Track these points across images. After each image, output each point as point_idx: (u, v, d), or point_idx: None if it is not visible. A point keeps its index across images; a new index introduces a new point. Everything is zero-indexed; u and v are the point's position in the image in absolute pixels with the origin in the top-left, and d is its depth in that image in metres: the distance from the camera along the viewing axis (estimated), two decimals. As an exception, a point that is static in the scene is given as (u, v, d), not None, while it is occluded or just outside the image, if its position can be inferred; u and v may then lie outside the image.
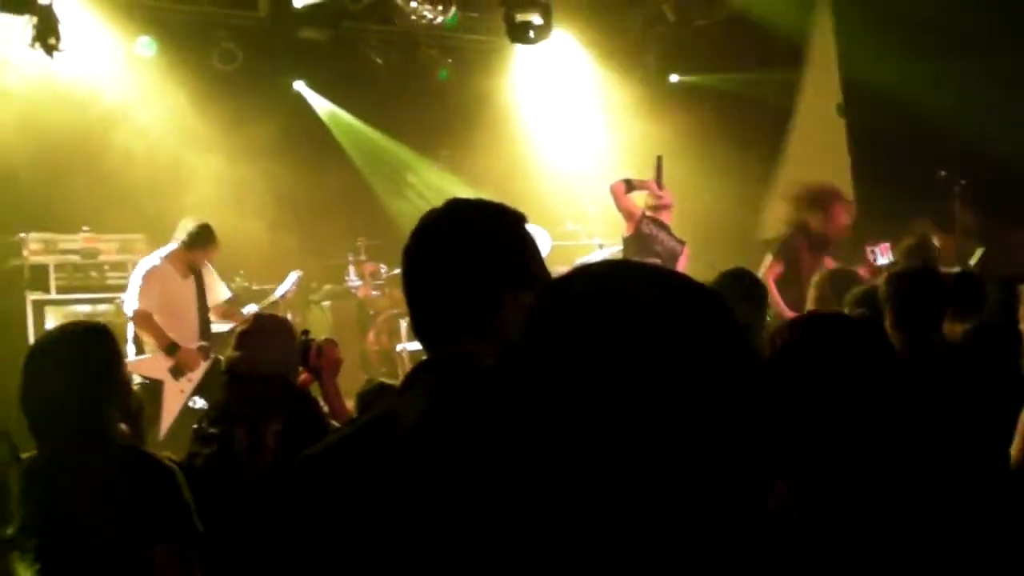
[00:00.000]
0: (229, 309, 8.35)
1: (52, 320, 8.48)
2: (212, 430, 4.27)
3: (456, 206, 1.94)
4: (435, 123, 11.81)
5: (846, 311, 4.60)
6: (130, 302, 7.85)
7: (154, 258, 8.00)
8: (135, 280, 7.89)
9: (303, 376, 4.89)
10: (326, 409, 4.73)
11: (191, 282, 8.13)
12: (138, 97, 9.97)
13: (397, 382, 7.68)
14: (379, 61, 11.35)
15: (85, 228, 9.17)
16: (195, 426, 4.52)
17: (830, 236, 7.64)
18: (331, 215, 10.82)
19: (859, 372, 1.93)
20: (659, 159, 8.10)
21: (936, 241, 7.30)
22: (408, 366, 9.32)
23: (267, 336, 4.63)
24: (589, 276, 1.19)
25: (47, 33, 8.66)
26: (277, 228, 10.18)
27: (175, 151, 9.93)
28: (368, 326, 10.54)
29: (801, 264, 7.50)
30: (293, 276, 8.80)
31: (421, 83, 11.70)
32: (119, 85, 9.90)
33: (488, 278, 1.84)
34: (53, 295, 8.88)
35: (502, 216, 1.95)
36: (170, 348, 7.78)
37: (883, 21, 9.64)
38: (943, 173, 8.03)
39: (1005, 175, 8.45)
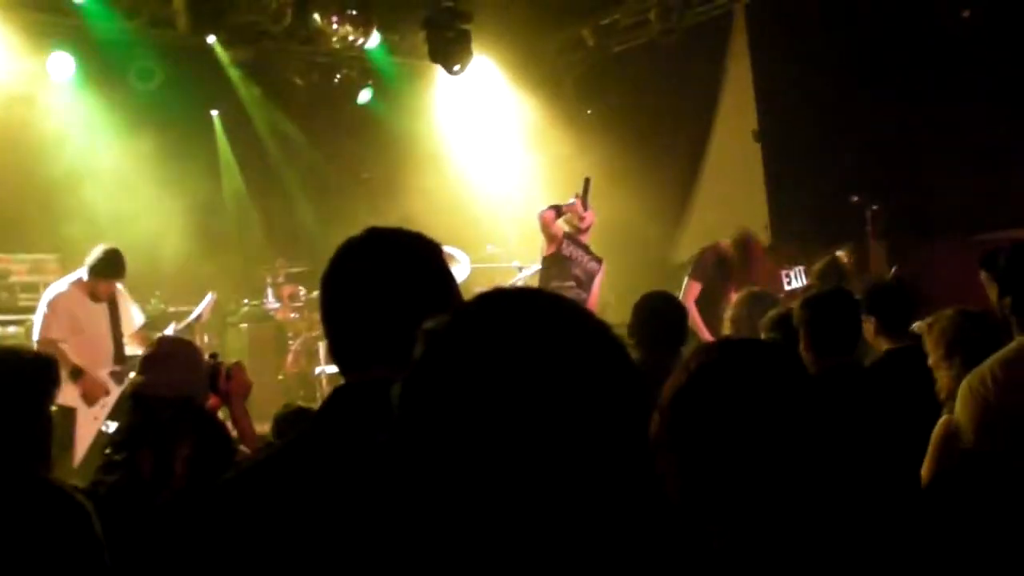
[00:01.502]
0: (146, 335, 8.15)
1: (-39, 342, 8.28)
2: (117, 456, 4.18)
3: (374, 235, 1.96)
4: (356, 146, 11.76)
5: (762, 335, 4.66)
6: (36, 330, 7.71)
7: (62, 284, 7.88)
8: (41, 307, 7.77)
9: (211, 400, 4.81)
10: (234, 434, 4.67)
11: (103, 307, 7.97)
12: (52, 116, 9.80)
13: (315, 405, 7.64)
14: (299, 82, 11.28)
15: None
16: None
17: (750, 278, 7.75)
18: (250, 236, 10.72)
19: (772, 396, 1.93)
20: (587, 180, 8.11)
21: (847, 261, 7.42)
22: (326, 389, 9.29)
23: (172, 359, 4.54)
24: (483, 307, 1.20)
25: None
26: (195, 249, 10.06)
27: (90, 171, 9.76)
28: (286, 349, 10.44)
29: (716, 284, 7.59)
30: (208, 298, 8.70)
31: (342, 105, 11.65)
32: (33, 104, 9.72)
33: (404, 307, 1.85)
34: (-38, 317, 8.66)
35: (419, 246, 1.97)
36: (73, 374, 7.58)
37: (798, 48, 9.79)
38: (855, 198, 8.16)
39: (916, 199, 8.64)
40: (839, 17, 9.56)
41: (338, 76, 11.49)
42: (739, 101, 10.96)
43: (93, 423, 7.64)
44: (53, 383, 3.12)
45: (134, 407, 4.43)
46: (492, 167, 12.14)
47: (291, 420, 4.98)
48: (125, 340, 8.09)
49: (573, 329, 1.15)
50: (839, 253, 7.34)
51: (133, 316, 8.23)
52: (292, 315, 10.54)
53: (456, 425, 1.09)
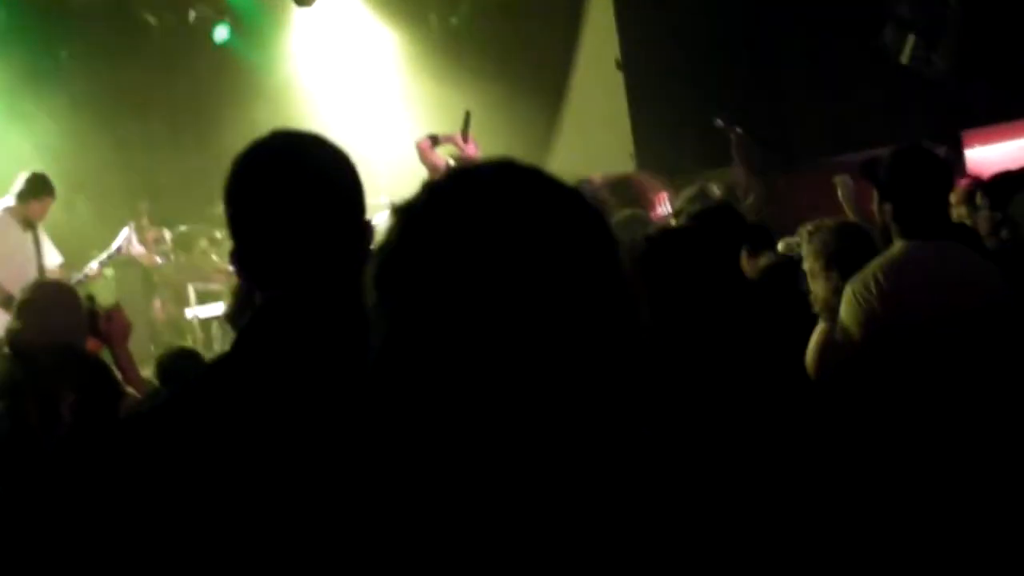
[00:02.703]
0: (63, 275, 7.90)
1: None
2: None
3: (287, 143, 1.87)
4: (215, 86, 11.48)
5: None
6: None
7: None
8: None
9: (91, 344, 4.71)
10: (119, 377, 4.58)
11: (30, 237, 7.71)
12: None
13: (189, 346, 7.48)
14: (152, 21, 10.97)
15: None
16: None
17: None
18: (108, 181, 10.41)
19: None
20: (467, 114, 8.08)
21: (716, 190, 7.55)
22: (200, 333, 9.15)
23: (52, 305, 4.45)
24: (458, 181, 1.18)
25: None
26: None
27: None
28: (153, 294, 10.21)
29: None
30: (125, 231, 8.48)
31: (198, 45, 11.36)
32: None
33: (321, 222, 1.78)
34: None
35: (334, 157, 1.89)
36: (5, 302, 7.14)
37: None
38: (719, 122, 8.29)
39: (775, 123, 8.84)
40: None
41: (192, 14, 11.18)
42: (601, 30, 10.99)
43: None
44: None
45: (13, 355, 4.32)
46: (357, 104, 11.96)
47: (176, 362, 4.90)
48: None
49: (551, 197, 1.14)
50: (711, 185, 7.46)
51: (52, 254, 7.99)
52: (158, 259, 10.29)
53: (439, 296, 1.07)
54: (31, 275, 7.52)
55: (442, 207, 1.13)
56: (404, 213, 1.15)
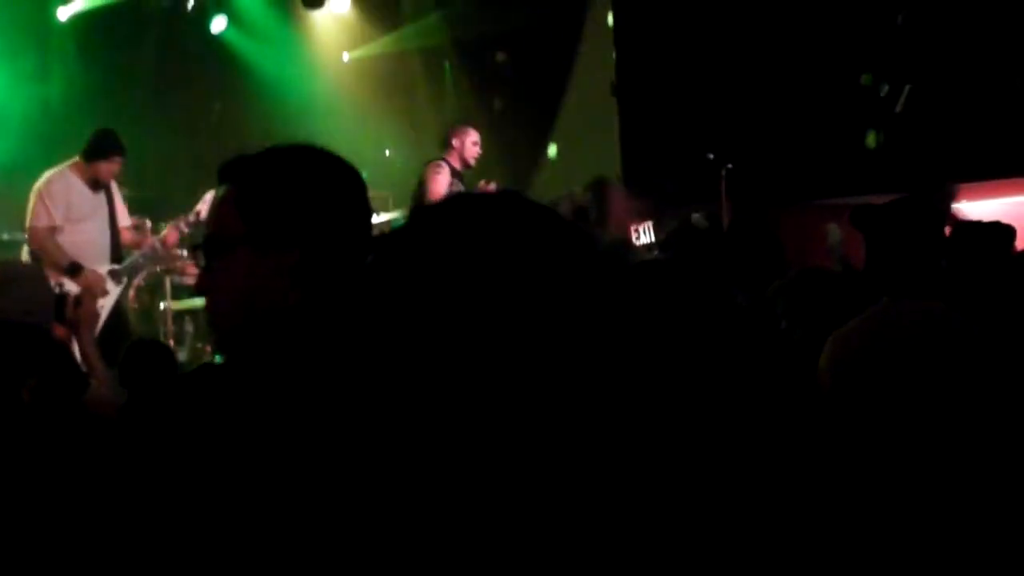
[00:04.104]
0: (136, 236, 7.69)
1: None
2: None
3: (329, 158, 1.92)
4: (207, 76, 11.42)
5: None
6: (28, 223, 7.15)
7: (54, 170, 7.27)
8: (33, 195, 7.15)
9: (57, 329, 4.63)
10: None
11: (102, 197, 7.37)
12: None
13: (163, 340, 7.40)
14: (153, 7, 10.93)
15: None
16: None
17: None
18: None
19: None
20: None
21: (702, 223, 7.53)
22: (171, 325, 9.04)
23: (16, 284, 4.36)
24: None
25: None
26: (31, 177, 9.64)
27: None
28: (128, 284, 10.09)
29: None
30: (208, 196, 7.81)
31: (194, 33, 11.31)
32: None
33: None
34: None
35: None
36: (71, 268, 6.94)
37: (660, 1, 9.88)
38: (711, 156, 8.27)
39: (771, 158, 8.83)
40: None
41: (192, 2, 11.14)
42: (598, 52, 10.98)
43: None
44: None
45: (-25, 333, 4.23)
46: (349, 113, 11.91)
47: (141, 353, 4.83)
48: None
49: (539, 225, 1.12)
50: (695, 216, 7.43)
51: (125, 214, 7.72)
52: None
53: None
54: (103, 239, 7.36)
55: (424, 235, 1.11)
56: (390, 239, 1.14)
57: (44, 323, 4.36)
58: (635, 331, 1.13)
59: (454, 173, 8.02)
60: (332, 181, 1.84)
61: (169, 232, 7.61)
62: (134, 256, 7.59)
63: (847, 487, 2.57)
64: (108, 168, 7.28)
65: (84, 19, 10.64)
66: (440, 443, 1.05)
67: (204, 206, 7.81)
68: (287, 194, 1.80)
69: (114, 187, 7.54)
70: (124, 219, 7.66)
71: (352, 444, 1.15)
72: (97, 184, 7.30)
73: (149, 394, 4.43)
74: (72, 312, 4.52)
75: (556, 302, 1.07)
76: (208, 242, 1.84)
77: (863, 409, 3.31)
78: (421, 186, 7.87)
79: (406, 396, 1.06)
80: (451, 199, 1.19)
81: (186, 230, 7.60)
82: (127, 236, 7.63)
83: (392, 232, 1.15)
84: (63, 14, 10.59)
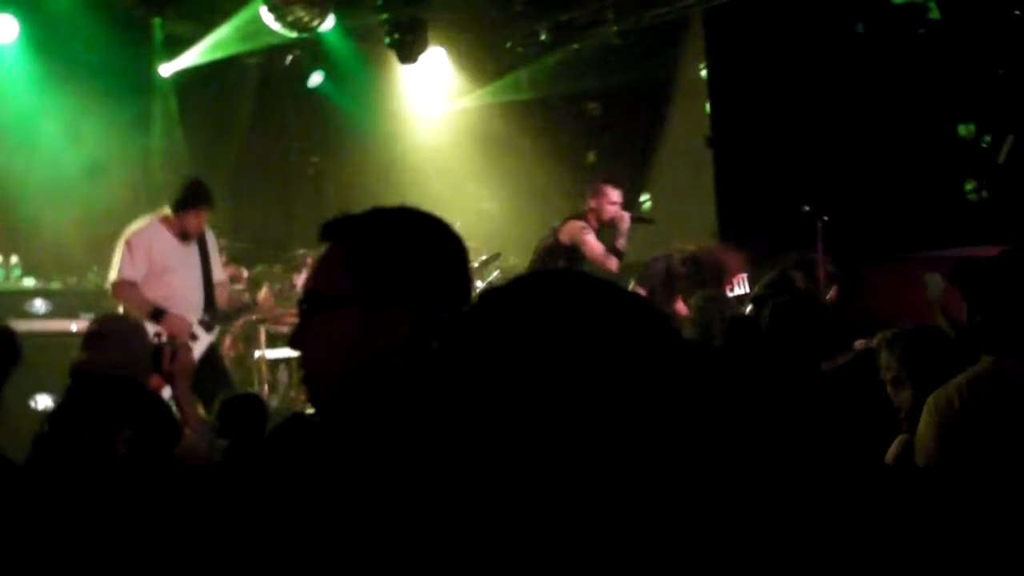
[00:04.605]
0: (231, 296, 7.60)
1: None
2: (56, 435, 4.05)
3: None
4: (304, 130, 11.61)
5: (718, 340, 4.64)
6: (111, 274, 7.00)
7: (142, 221, 7.12)
8: (117, 249, 6.99)
9: (154, 381, 4.70)
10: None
11: (193, 249, 7.21)
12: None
13: (256, 390, 7.44)
14: (251, 61, 11.13)
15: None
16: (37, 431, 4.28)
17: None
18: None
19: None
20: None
21: (801, 285, 7.41)
22: (266, 374, 9.14)
23: (115, 337, 4.45)
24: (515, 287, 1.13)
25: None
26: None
27: (29, 141, 9.53)
28: (225, 332, 10.24)
29: (660, 293, 7.70)
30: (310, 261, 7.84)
31: (292, 88, 11.51)
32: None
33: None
34: None
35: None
36: (155, 313, 6.75)
37: (755, 55, 9.82)
38: (807, 208, 8.15)
39: (868, 210, 8.69)
40: (798, 27, 9.61)
41: (290, 57, 11.34)
42: (692, 105, 10.95)
43: None
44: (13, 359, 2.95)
45: (74, 385, 4.31)
46: (443, 159, 12.01)
47: (237, 406, 4.87)
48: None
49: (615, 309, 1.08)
50: (794, 273, 7.31)
51: (219, 267, 7.54)
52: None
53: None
54: (192, 295, 7.17)
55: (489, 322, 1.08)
56: (455, 321, 1.11)
57: (140, 375, 4.43)
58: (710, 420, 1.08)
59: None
60: (437, 242, 1.85)
61: (265, 296, 7.52)
62: (227, 310, 7.56)
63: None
64: (196, 219, 7.16)
65: (185, 73, 10.89)
66: (527, 522, 1.02)
67: (302, 278, 7.89)
68: (398, 254, 1.81)
69: (211, 240, 7.44)
70: (219, 273, 7.54)
71: (447, 511, 1.11)
72: (187, 235, 7.18)
73: (243, 446, 4.47)
74: (168, 364, 4.59)
75: (635, 385, 1.03)
76: (312, 299, 1.84)
77: (970, 477, 3.19)
78: (571, 245, 7.84)
79: (493, 466, 1.03)
80: (525, 279, 1.14)
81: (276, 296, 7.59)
82: (222, 295, 7.50)
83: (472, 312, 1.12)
84: (166, 70, 10.85)
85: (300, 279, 8.13)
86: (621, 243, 8.08)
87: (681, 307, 8.34)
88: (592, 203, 8.18)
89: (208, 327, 7.21)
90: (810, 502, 1.86)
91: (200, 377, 6.90)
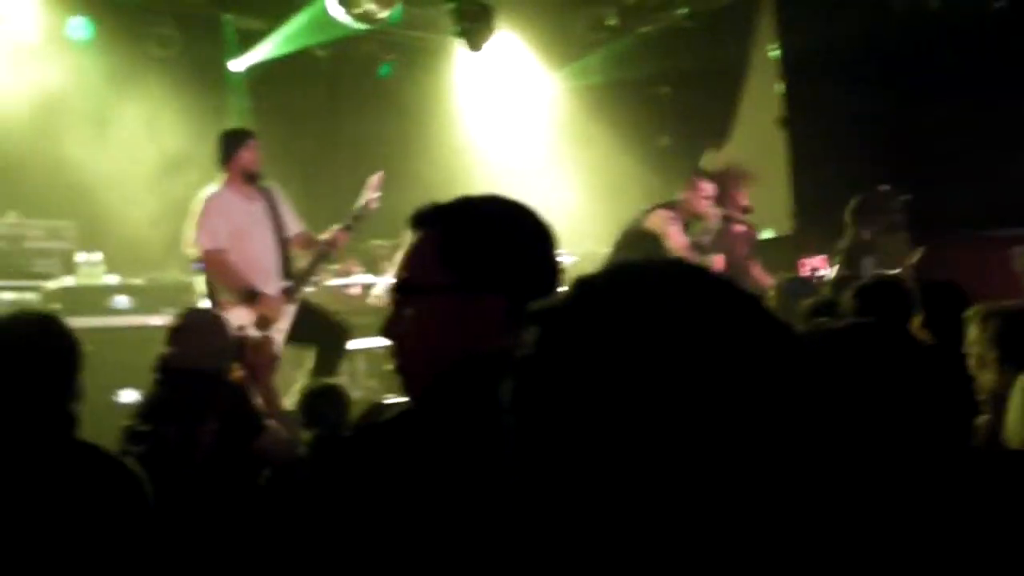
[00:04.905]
0: (311, 238, 7.10)
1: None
2: (143, 428, 4.10)
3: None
4: (374, 120, 11.63)
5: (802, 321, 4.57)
6: (197, 243, 6.64)
7: (210, 188, 6.80)
8: (193, 217, 6.66)
9: (238, 373, 4.74)
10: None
11: (260, 207, 6.86)
12: (70, 82, 9.67)
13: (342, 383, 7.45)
14: (320, 53, 11.20)
15: (10, 213, 8.81)
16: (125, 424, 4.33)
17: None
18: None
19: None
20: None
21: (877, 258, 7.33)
22: (360, 365, 9.14)
23: (201, 332, 4.50)
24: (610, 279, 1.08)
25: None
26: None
27: (110, 137, 9.66)
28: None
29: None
30: (374, 179, 7.23)
31: (361, 78, 11.56)
32: (50, 69, 9.59)
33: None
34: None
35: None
36: (248, 295, 6.50)
37: (827, 33, 9.68)
38: (885, 188, 8.02)
39: (948, 187, 8.52)
40: (870, 3, 9.47)
41: (358, 49, 11.38)
42: (764, 86, 10.83)
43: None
44: (79, 357, 2.98)
45: (161, 379, 4.36)
46: (514, 146, 12.00)
47: (321, 397, 4.90)
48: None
49: (722, 307, 1.02)
50: (874, 254, 7.22)
51: (291, 219, 7.14)
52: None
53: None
54: (268, 256, 6.82)
55: (591, 316, 1.03)
56: (549, 315, 1.06)
57: (223, 368, 4.48)
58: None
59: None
60: (528, 229, 1.85)
61: (338, 235, 7.01)
62: (304, 267, 7.08)
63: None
64: (249, 154, 6.84)
65: (257, 67, 10.99)
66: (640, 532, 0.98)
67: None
68: (491, 242, 1.81)
69: (278, 196, 7.11)
70: (294, 226, 7.14)
71: (555, 504, 1.08)
72: (251, 191, 6.86)
73: (327, 437, 4.50)
74: (251, 355, 4.63)
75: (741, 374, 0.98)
76: (405, 287, 1.84)
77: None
78: (656, 234, 7.75)
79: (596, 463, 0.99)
80: (624, 268, 1.10)
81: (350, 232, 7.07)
82: (300, 241, 7.12)
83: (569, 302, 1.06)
84: (235, 66, 10.96)
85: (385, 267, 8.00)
86: (707, 239, 7.99)
87: (760, 274, 8.27)
88: (685, 195, 8.07)
89: (291, 295, 6.82)
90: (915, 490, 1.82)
91: (306, 328, 6.76)
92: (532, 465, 1.01)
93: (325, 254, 7.14)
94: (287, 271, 6.90)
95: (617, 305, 1.02)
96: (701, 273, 1.07)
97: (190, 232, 6.70)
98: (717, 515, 0.95)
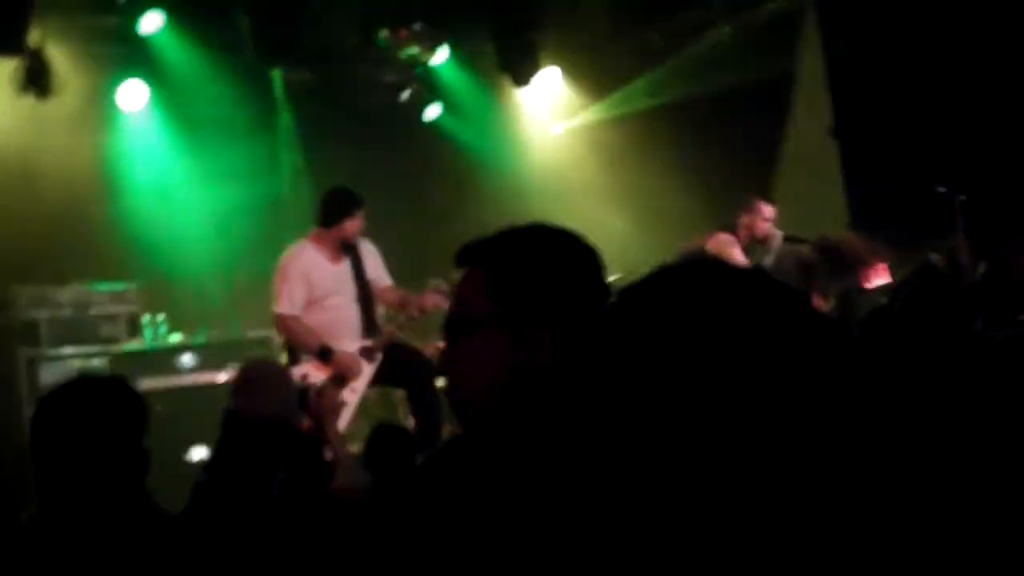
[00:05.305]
0: (403, 293, 7.05)
1: (47, 375, 7.94)
2: (213, 482, 4.15)
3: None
4: (423, 165, 11.69)
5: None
6: (276, 303, 6.70)
7: (295, 245, 6.84)
8: (275, 279, 6.72)
9: (306, 423, 4.79)
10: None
11: (346, 267, 6.82)
12: (125, 143, 9.86)
13: (399, 421, 7.47)
14: (365, 102, 11.32)
15: (76, 280, 8.94)
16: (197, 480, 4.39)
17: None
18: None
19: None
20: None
21: (941, 265, 7.20)
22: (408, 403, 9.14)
23: (264, 383, 4.55)
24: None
25: (39, 75, 8.39)
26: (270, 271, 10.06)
27: (166, 199, 9.82)
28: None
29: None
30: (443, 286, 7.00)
31: (408, 124, 11.65)
32: (106, 132, 9.78)
33: None
34: (45, 350, 8.35)
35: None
36: (322, 353, 6.49)
37: (873, 37, 9.61)
38: (942, 189, 7.91)
39: (1006, 186, 8.40)
40: (916, 3, 9.38)
41: (405, 93, 11.47)
42: (812, 96, 10.74)
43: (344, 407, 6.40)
44: (146, 419, 3.01)
45: (226, 432, 4.42)
46: (565, 178, 11.98)
47: (384, 438, 4.93)
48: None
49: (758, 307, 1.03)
50: (934, 256, 7.11)
51: (382, 274, 7.09)
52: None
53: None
54: (349, 315, 6.82)
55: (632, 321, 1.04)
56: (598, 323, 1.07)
57: (290, 417, 4.52)
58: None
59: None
60: (572, 255, 1.86)
61: (429, 297, 6.93)
62: (387, 331, 7.02)
63: None
64: (353, 226, 6.78)
65: (309, 120, 11.14)
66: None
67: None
68: (538, 273, 1.82)
69: (366, 249, 7.03)
70: (383, 279, 7.08)
71: (618, 529, 1.08)
72: (340, 252, 6.79)
73: (393, 479, 4.51)
74: (316, 404, 4.68)
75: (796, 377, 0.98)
76: (455, 323, 1.85)
77: None
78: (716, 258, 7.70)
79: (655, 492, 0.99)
80: (666, 272, 1.09)
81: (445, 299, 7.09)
82: (389, 297, 7.05)
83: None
84: (289, 120, 11.15)
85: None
86: (768, 261, 7.87)
87: (818, 302, 8.17)
88: (745, 218, 7.97)
89: (370, 355, 6.81)
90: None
91: (392, 369, 6.77)
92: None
93: (412, 318, 7.15)
94: (370, 328, 6.89)
95: (661, 310, 1.04)
96: (742, 273, 1.08)
97: (275, 289, 6.74)
98: (765, 510, 0.96)
